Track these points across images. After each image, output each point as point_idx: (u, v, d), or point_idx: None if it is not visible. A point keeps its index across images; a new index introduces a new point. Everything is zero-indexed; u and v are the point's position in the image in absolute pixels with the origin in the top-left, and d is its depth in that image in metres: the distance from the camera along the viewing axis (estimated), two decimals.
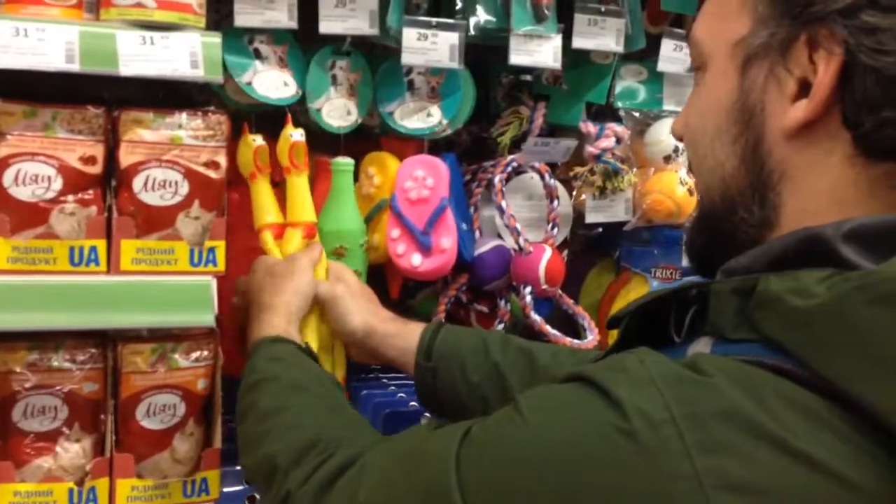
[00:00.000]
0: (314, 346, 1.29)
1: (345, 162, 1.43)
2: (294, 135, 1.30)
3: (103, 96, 1.17)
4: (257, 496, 1.35)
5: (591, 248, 1.79)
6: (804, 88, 0.74)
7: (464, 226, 1.51)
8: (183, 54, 1.09)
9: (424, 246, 1.43)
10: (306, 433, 0.98)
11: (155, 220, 1.14)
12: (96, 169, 1.13)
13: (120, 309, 1.13)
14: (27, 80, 1.07)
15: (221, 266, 1.18)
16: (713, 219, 0.83)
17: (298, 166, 1.31)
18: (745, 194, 0.79)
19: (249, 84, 1.35)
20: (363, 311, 1.29)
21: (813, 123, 0.74)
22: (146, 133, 1.12)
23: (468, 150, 1.68)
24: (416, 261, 1.44)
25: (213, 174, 1.16)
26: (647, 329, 0.83)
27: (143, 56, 1.07)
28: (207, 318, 1.16)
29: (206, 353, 1.23)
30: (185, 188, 1.14)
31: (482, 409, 1.12)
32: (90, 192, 1.12)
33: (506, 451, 0.70)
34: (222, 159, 1.17)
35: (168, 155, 1.13)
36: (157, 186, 1.13)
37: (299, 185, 1.33)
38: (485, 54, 1.55)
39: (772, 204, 0.77)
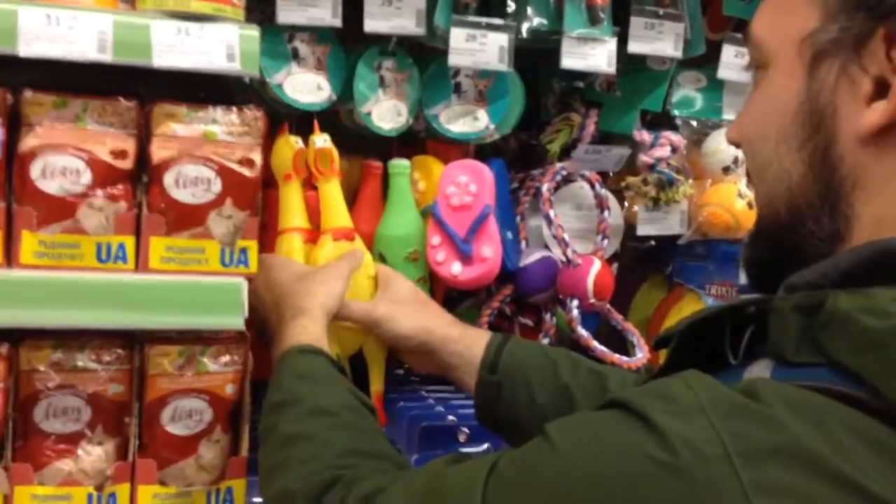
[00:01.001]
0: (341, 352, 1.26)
1: (401, 164, 1.39)
2: (318, 141, 1.28)
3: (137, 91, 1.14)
4: None
5: (642, 262, 1.72)
6: (881, 89, 0.68)
7: (509, 235, 1.45)
8: (219, 47, 1.05)
9: (465, 254, 1.38)
10: (326, 470, 0.93)
11: (186, 218, 1.10)
12: (127, 163, 1.09)
13: (147, 308, 1.09)
14: (58, 75, 1.04)
15: (253, 267, 1.14)
16: (776, 231, 0.76)
17: (325, 173, 1.29)
18: (813, 205, 0.72)
19: (280, 86, 1.31)
20: (416, 315, 1.25)
21: (891, 127, 0.67)
22: (179, 128, 1.09)
23: (516, 157, 1.62)
24: (455, 269, 1.39)
25: (247, 172, 1.12)
26: (699, 350, 0.76)
27: (177, 47, 1.04)
28: (237, 321, 1.11)
29: (235, 357, 1.18)
30: (217, 186, 1.10)
31: None
32: (120, 186, 1.09)
33: (535, 484, 0.65)
34: (257, 157, 1.12)
35: (201, 151, 1.10)
36: (188, 183, 1.09)
37: (328, 191, 1.31)
38: (535, 59, 1.49)
39: (843, 215, 0.71)
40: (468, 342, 1.22)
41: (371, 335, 1.29)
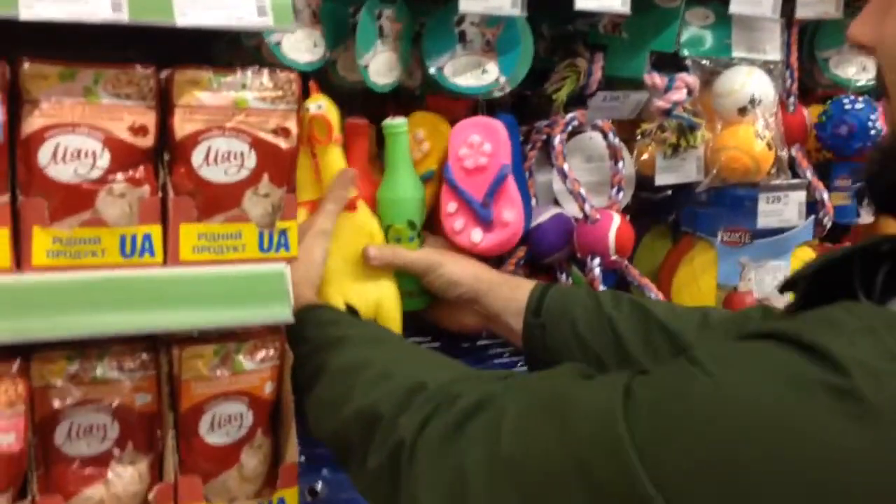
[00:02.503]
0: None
1: (398, 123, 1.27)
2: (312, 107, 1.17)
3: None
4: None
5: (642, 213, 1.65)
6: None
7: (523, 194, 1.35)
8: (248, 1, 0.91)
9: (485, 220, 1.28)
10: (407, 379, 0.86)
11: (219, 200, 0.96)
12: (148, 141, 0.94)
13: (181, 306, 0.95)
14: (63, 44, 0.88)
15: (294, 250, 1.00)
16: None
17: (322, 141, 1.19)
18: None
19: (279, 45, 1.18)
20: (465, 263, 1.25)
21: None
22: (205, 96, 0.94)
23: (510, 110, 1.52)
24: (476, 237, 1.29)
25: (283, 143, 0.98)
26: (827, 294, 0.69)
27: (201, 3, 0.89)
28: (285, 312, 0.99)
29: (271, 351, 1.05)
30: (252, 160, 0.96)
31: (595, 369, 1.04)
32: (141, 168, 0.94)
33: (689, 410, 0.58)
34: (293, 125, 0.99)
35: (232, 121, 0.95)
36: (220, 159, 0.95)
37: (328, 159, 1.21)
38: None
39: None
40: (513, 285, 1.23)
41: (387, 295, 1.24)
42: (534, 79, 1.48)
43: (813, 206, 1.55)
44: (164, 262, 0.95)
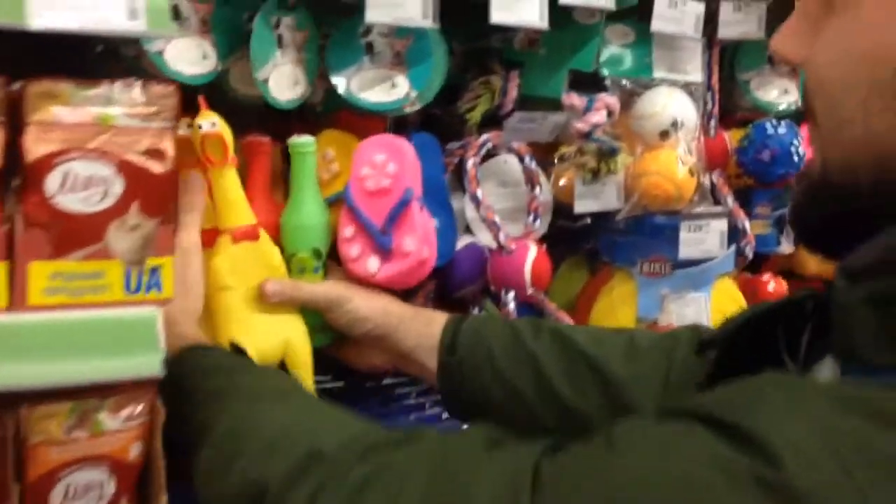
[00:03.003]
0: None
1: (305, 142, 1.15)
2: (204, 125, 1.03)
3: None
4: None
5: (559, 242, 1.55)
6: None
7: (441, 222, 1.23)
8: (117, 1, 0.77)
9: (383, 248, 1.15)
10: (298, 446, 0.76)
11: (78, 234, 0.81)
12: None
13: (28, 359, 0.80)
14: None
15: (168, 291, 0.86)
16: (844, 196, 0.61)
17: (216, 162, 1.05)
18: None
19: (160, 53, 1.03)
20: (373, 297, 1.14)
21: None
22: (63, 112, 0.79)
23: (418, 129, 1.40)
24: (372, 266, 1.15)
25: (156, 167, 0.84)
26: (746, 354, 0.69)
27: (61, 3, 0.74)
28: (153, 365, 0.84)
29: (140, 407, 0.90)
30: (118, 187, 0.82)
31: (516, 407, 1.02)
32: None
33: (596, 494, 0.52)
34: (169, 146, 0.84)
35: (95, 142, 0.80)
36: (80, 186, 0.80)
37: (223, 182, 1.07)
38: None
39: None
40: (425, 319, 1.13)
41: (296, 333, 1.12)
42: (445, 97, 1.37)
43: (734, 234, 1.48)
44: (9, 307, 0.80)
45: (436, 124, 1.40)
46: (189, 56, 1.07)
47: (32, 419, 0.85)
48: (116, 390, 0.89)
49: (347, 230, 1.16)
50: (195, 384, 0.92)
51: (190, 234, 1.02)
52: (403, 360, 1.14)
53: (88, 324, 0.82)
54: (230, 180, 1.08)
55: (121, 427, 0.90)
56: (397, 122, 1.31)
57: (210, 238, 1.08)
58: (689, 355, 0.96)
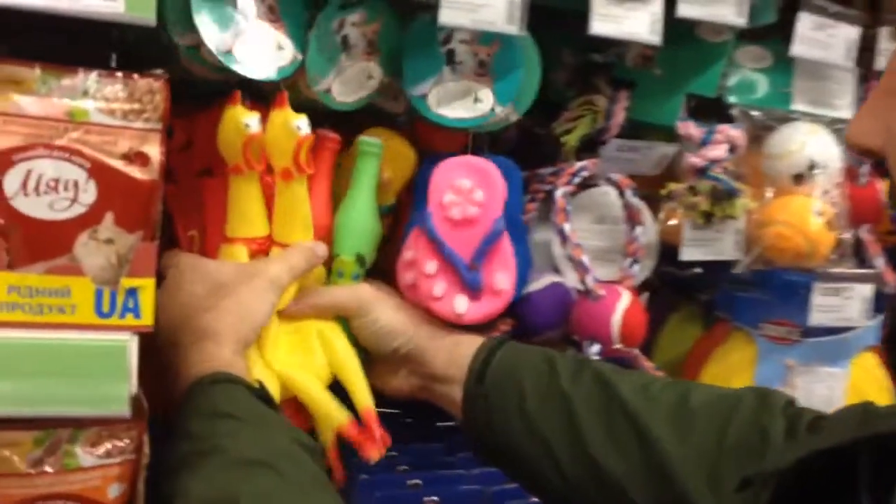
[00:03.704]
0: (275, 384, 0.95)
1: (376, 142, 1.04)
2: (301, 126, 0.94)
3: None
4: None
5: (670, 287, 1.36)
6: None
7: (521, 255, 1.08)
8: None
9: (472, 286, 1.01)
10: None
11: (40, 243, 0.71)
12: None
13: None
14: None
15: (147, 318, 0.75)
16: None
17: (304, 169, 0.96)
18: None
19: (229, 52, 0.92)
20: (404, 309, 1.02)
21: None
22: (27, 101, 0.69)
23: (514, 150, 1.25)
24: (460, 306, 1.02)
25: (137, 172, 0.72)
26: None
27: None
28: (117, 403, 0.73)
29: (123, 442, 0.80)
30: (90, 193, 0.71)
31: (542, 457, 0.89)
32: None
33: None
34: (155, 150, 0.73)
35: (64, 139, 0.70)
36: (44, 188, 0.70)
37: (299, 193, 0.98)
38: (541, 22, 1.10)
39: None
40: (456, 339, 1.00)
41: (338, 347, 1.00)
42: (548, 114, 1.22)
43: (881, 302, 1.25)
44: None
45: (535, 145, 1.25)
46: (263, 49, 0.95)
47: None
48: (94, 421, 0.78)
49: (430, 265, 1.03)
50: (196, 428, 0.80)
51: (285, 272, 0.95)
52: (428, 386, 1.00)
53: (48, 348, 0.72)
54: (304, 191, 0.99)
55: (98, 463, 0.79)
56: (492, 140, 1.16)
57: (263, 247, 0.99)
58: (748, 424, 0.81)
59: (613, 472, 0.84)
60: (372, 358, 1.03)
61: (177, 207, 1.01)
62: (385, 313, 1.00)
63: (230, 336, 0.89)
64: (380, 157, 1.05)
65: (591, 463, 0.86)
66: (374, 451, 0.97)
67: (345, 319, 1.02)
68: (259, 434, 0.80)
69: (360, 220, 1.04)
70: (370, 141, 1.04)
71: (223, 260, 0.97)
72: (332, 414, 0.97)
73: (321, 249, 1.00)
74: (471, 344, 0.99)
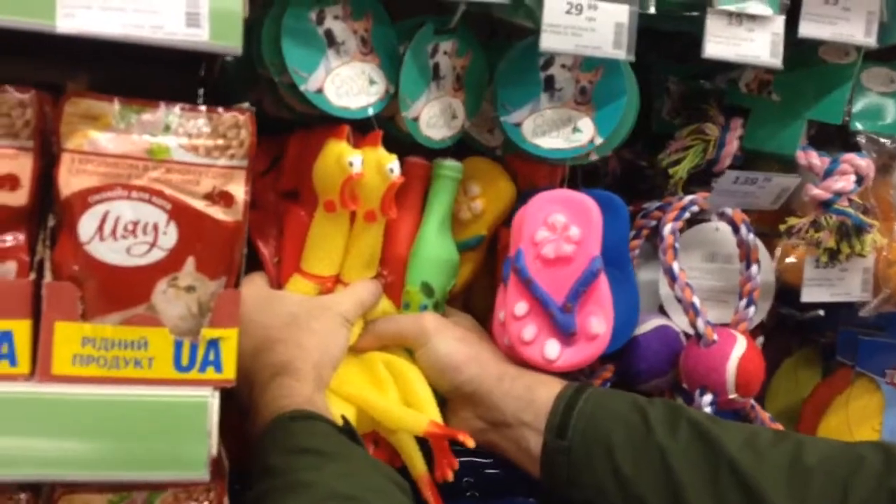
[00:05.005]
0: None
1: (453, 166, 0.99)
2: (394, 169, 0.89)
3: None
4: None
5: (784, 329, 1.25)
6: None
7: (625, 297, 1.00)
8: (173, 2, 0.61)
9: (565, 330, 0.93)
10: None
11: (116, 291, 0.66)
12: (18, 198, 0.64)
13: (47, 439, 0.65)
14: None
15: (230, 371, 0.69)
16: None
17: (389, 213, 0.91)
18: None
19: (320, 92, 0.87)
20: (470, 342, 0.94)
21: None
22: (105, 138, 0.64)
23: (613, 185, 1.17)
24: (552, 351, 0.94)
25: (221, 214, 0.67)
26: None
27: (98, 3, 0.59)
28: (196, 466, 0.67)
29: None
30: (171, 237, 0.65)
31: None
32: (6, 237, 0.64)
33: None
34: (240, 189, 0.67)
35: (144, 178, 0.65)
36: (122, 232, 0.65)
37: (378, 235, 0.95)
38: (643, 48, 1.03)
39: None
40: (529, 381, 0.91)
41: (408, 377, 0.93)
42: (650, 145, 1.14)
43: None
44: (31, 375, 0.65)
45: (637, 179, 1.17)
46: (354, 85, 0.91)
47: None
48: (173, 482, 0.72)
49: (519, 306, 0.95)
50: (278, 463, 0.73)
51: (353, 308, 0.91)
52: (495, 433, 0.91)
53: (123, 405, 0.66)
54: (381, 233, 0.95)
55: None
56: (587, 172, 1.08)
57: (331, 287, 0.95)
58: (874, 485, 0.73)
59: None
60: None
61: (260, 234, 0.96)
62: (447, 344, 0.92)
63: (310, 372, 0.84)
64: (456, 182, 0.99)
65: None
66: (448, 468, 0.89)
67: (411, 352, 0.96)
68: (348, 469, 0.74)
69: (427, 247, 0.98)
70: (446, 164, 0.98)
71: (290, 292, 0.93)
72: (413, 419, 0.89)
73: (377, 299, 0.95)
74: (547, 391, 0.90)
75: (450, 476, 0.88)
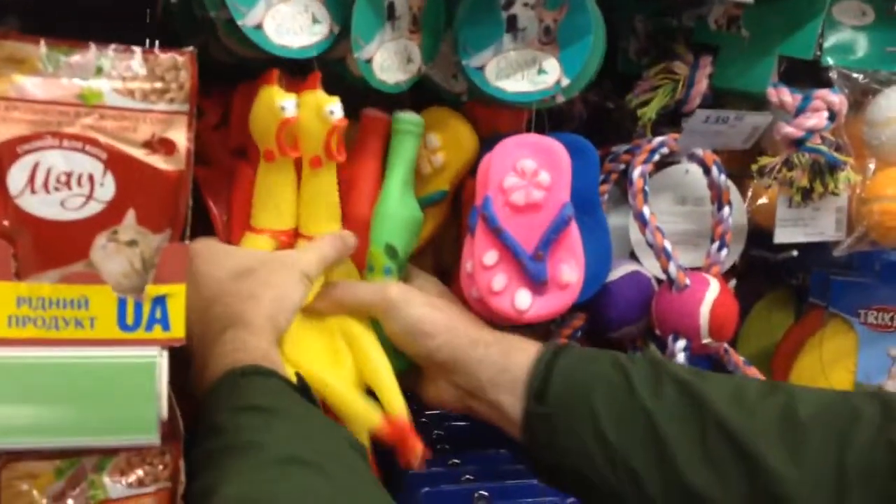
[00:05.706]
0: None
1: (413, 119, 0.94)
2: (334, 111, 0.85)
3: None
4: None
5: (754, 273, 1.24)
6: None
7: (597, 244, 0.97)
8: None
9: (536, 278, 0.90)
10: None
11: (52, 247, 0.62)
12: None
13: None
14: None
15: (178, 329, 0.65)
16: None
17: (335, 157, 0.87)
18: None
19: (259, 28, 0.83)
20: (441, 307, 0.89)
21: None
22: (33, 83, 0.59)
23: (580, 128, 1.14)
24: (523, 301, 0.90)
25: (161, 163, 0.62)
26: None
27: None
28: (145, 428, 0.64)
29: (157, 468, 0.70)
30: (108, 188, 0.61)
31: (626, 486, 0.76)
32: None
33: None
34: (181, 136, 0.63)
35: (75, 126, 0.60)
36: (55, 184, 0.61)
37: (328, 181, 0.90)
38: None
39: None
40: (506, 346, 0.87)
41: (365, 347, 0.89)
42: (617, 86, 1.11)
43: None
44: None
45: (604, 122, 1.14)
46: (295, 23, 0.86)
47: (8, 480, 0.66)
48: (123, 447, 0.69)
49: (489, 255, 0.91)
50: (226, 422, 0.70)
51: (314, 264, 0.87)
52: (472, 400, 0.88)
53: (64, 367, 0.62)
54: (333, 180, 0.91)
55: (128, 494, 0.69)
56: (551, 115, 1.04)
57: (290, 240, 0.92)
58: (873, 439, 0.69)
59: (714, 501, 0.73)
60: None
61: (211, 192, 0.92)
62: (417, 309, 0.88)
63: (266, 326, 0.81)
64: (418, 137, 0.95)
65: (688, 492, 0.74)
66: (412, 457, 0.86)
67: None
68: (301, 431, 0.70)
69: (389, 206, 0.94)
70: (406, 118, 0.94)
71: (247, 247, 0.90)
72: (365, 413, 0.85)
73: (351, 239, 0.91)
74: (525, 356, 0.86)
75: (416, 464, 0.85)
